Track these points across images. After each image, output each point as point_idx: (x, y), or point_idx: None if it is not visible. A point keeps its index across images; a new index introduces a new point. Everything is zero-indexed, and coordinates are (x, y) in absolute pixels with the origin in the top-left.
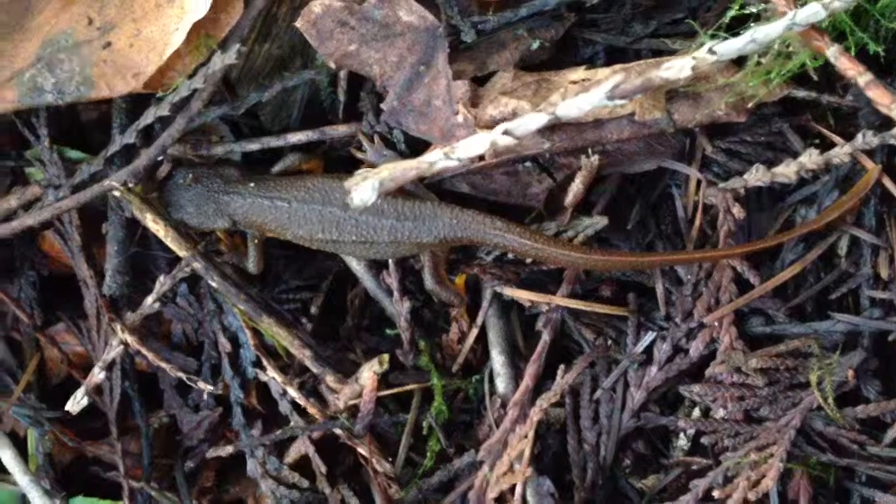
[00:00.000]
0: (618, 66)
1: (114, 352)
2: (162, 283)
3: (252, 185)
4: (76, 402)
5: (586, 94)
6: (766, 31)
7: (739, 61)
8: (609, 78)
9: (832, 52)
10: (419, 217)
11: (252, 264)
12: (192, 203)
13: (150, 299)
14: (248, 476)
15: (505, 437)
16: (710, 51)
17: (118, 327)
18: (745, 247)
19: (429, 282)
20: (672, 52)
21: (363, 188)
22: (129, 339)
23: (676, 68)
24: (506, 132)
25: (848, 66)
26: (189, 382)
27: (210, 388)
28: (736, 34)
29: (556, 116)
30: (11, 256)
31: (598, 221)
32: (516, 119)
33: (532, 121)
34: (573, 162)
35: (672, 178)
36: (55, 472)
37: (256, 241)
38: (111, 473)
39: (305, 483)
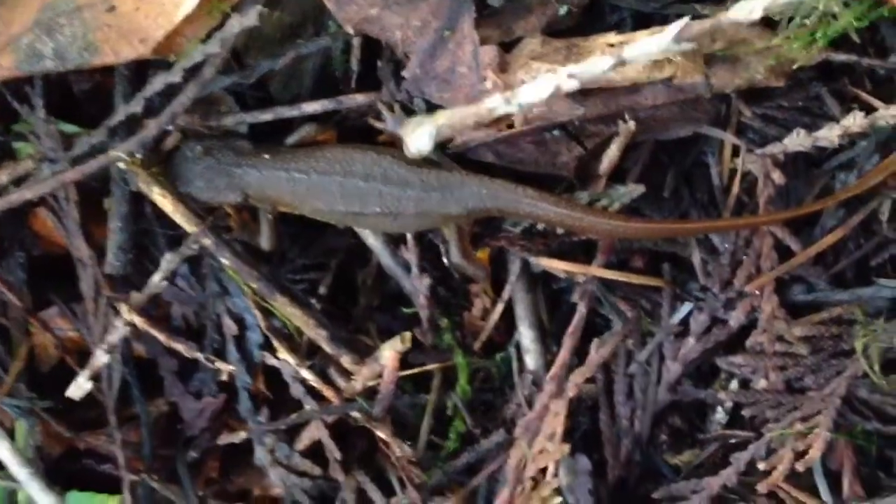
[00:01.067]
0: (655, 28)
1: (117, 333)
2: (169, 261)
3: (267, 157)
4: (79, 388)
5: (653, 36)
6: None
7: (774, 25)
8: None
9: None
10: (446, 187)
11: (265, 240)
12: (203, 177)
13: (156, 277)
14: (255, 465)
15: (543, 413)
16: None
17: (124, 308)
18: (788, 213)
19: (455, 256)
20: (702, 17)
21: (419, 135)
22: (137, 319)
23: (746, 10)
24: (571, 76)
25: None
26: (207, 363)
27: (231, 368)
28: None
29: (621, 59)
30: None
31: (635, 189)
32: (581, 63)
33: (598, 64)
34: (603, 129)
35: (706, 145)
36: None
37: (270, 216)
38: (106, 466)
39: (318, 470)
